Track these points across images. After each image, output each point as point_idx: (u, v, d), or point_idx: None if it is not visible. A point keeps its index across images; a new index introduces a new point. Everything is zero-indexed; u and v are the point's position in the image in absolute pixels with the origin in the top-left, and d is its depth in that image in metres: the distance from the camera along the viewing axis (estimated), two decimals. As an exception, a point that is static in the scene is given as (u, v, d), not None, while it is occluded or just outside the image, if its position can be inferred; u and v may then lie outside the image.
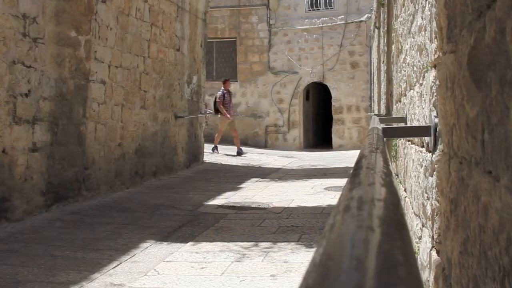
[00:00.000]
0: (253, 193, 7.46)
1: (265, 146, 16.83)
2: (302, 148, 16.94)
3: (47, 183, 5.74)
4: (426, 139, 2.47)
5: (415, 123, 3.01)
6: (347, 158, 12.32)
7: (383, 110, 7.82)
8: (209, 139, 12.92)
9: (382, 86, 8.19)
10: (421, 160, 2.76)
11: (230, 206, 6.43)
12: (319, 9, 16.93)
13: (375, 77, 12.53)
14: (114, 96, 7.25)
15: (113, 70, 7.24)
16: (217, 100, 12.89)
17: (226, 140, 14.21)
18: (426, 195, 2.50)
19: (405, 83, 3.75)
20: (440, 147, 2.08)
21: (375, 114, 7.71)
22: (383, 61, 7.78)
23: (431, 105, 2.30)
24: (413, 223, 3.10)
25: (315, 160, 13.01)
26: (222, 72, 16.87)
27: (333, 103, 16.88)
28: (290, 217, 5.70)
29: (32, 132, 5.51)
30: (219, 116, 13.03)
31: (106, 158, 7.05)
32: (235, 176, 9.43)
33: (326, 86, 17.14)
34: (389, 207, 0.55)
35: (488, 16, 1.20)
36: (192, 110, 10.38)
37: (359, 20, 16.60)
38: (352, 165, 0.97)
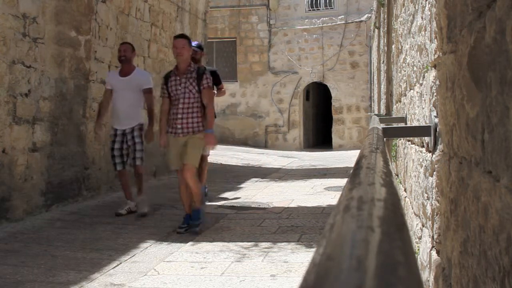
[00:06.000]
0: (253, 193, 7.45)
1: (265, 146, 16.82)
2: (302, 148, 16.93)
3: (47, 183, 5.73)
4: (426, 139, 2.47)
5: (415, 123, 3.01)
6: (347, 158, 12.32)
7: (383, 110, 7.82)
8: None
9: (382, 86, 8.19)
10: (421, 160, 2.76)
11: (230, 206, 6.43)
12: (319, 9, 16.93)
13: (375, 77, 12.53)
14: (114, 96, 7.24)
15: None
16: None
17: (227, 141, 14.04)
18: (426, 195, 2.50)
19: (405, 83, 3.75)
20: (440, 147, 2.08)
21: (375, 114, 7.71)
22: (383, 61, 7.78)
23: (431, 105, 2.30)
24: (413, 223, 3.09)
25: (315, 160, 13.01)
26: (222, 72, 16.85)
27: (333, 103, 16.88)
28: (290, 217, 5.69)
29: (32, 132, 5.51)
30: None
31: (106, 158, 7.04)
32: (235, 176, 9.43)
33: (326, 86, 17.14)
34: (389, 207, 0.55)
35: (488, 16, 1.19)
36: (192, 110, 10.36)
37: (359, 20, 16.60)
38: (352, 165, 0.97)
